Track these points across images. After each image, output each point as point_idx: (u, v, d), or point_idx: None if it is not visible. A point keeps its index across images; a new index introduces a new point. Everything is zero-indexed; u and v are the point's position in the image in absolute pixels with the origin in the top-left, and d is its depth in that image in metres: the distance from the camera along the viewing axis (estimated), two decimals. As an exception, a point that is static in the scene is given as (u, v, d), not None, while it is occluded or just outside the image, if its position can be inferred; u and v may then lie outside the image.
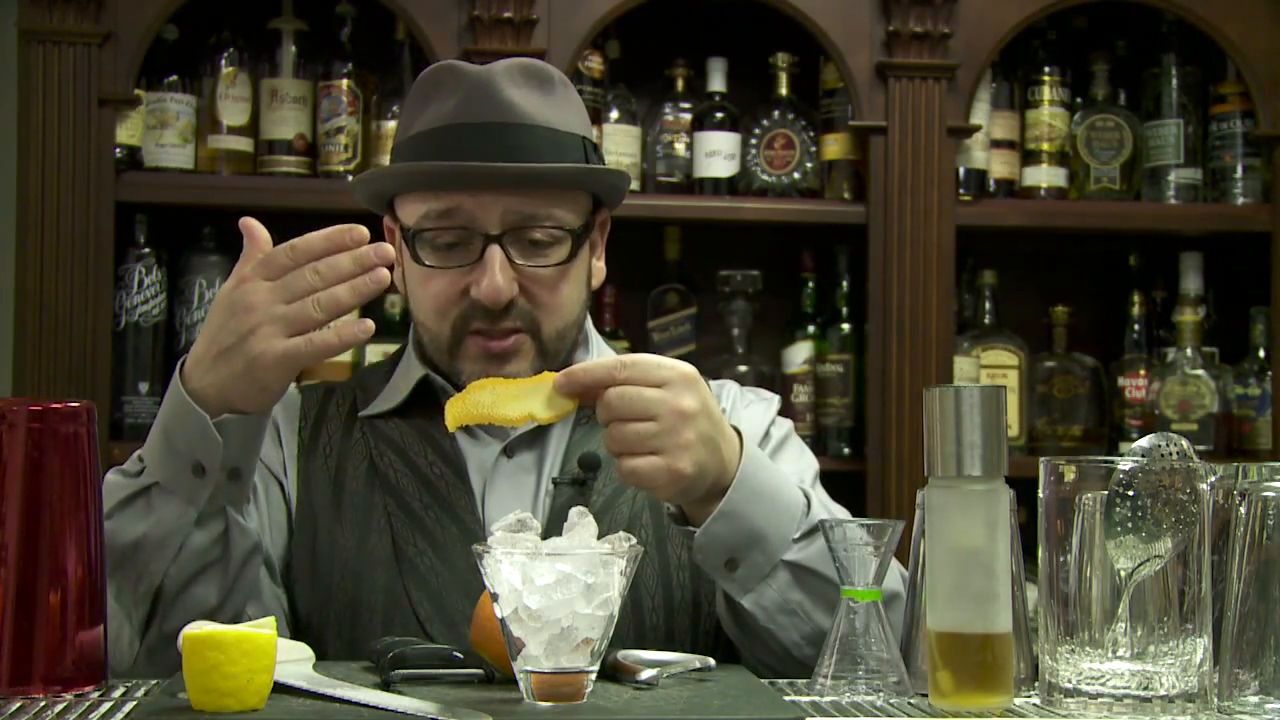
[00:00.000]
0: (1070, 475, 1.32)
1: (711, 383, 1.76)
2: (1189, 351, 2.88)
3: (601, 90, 2.83)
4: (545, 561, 1.25)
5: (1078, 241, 3.05)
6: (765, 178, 2.85)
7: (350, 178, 2.51)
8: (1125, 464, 1.28)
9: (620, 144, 2.82)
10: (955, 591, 1.30)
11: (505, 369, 1.64)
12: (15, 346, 2.62)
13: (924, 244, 2.74)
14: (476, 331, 1.65)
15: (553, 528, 1.40)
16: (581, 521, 1.30)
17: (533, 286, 1.65)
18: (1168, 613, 1.29)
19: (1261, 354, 2.95)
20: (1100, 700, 1.28)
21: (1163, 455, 1.31)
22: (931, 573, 1.33)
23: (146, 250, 2.73)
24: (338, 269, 1.42)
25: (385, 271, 1.44)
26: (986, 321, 2.94)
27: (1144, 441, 1.32)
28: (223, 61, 2.76)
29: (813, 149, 2.87)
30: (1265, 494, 1.28)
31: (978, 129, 2.83)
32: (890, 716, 1.30)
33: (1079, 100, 2.98)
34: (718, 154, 2.83)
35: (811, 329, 2.90)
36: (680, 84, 2.92)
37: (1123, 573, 1.28)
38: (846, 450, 2.83)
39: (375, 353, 2.67)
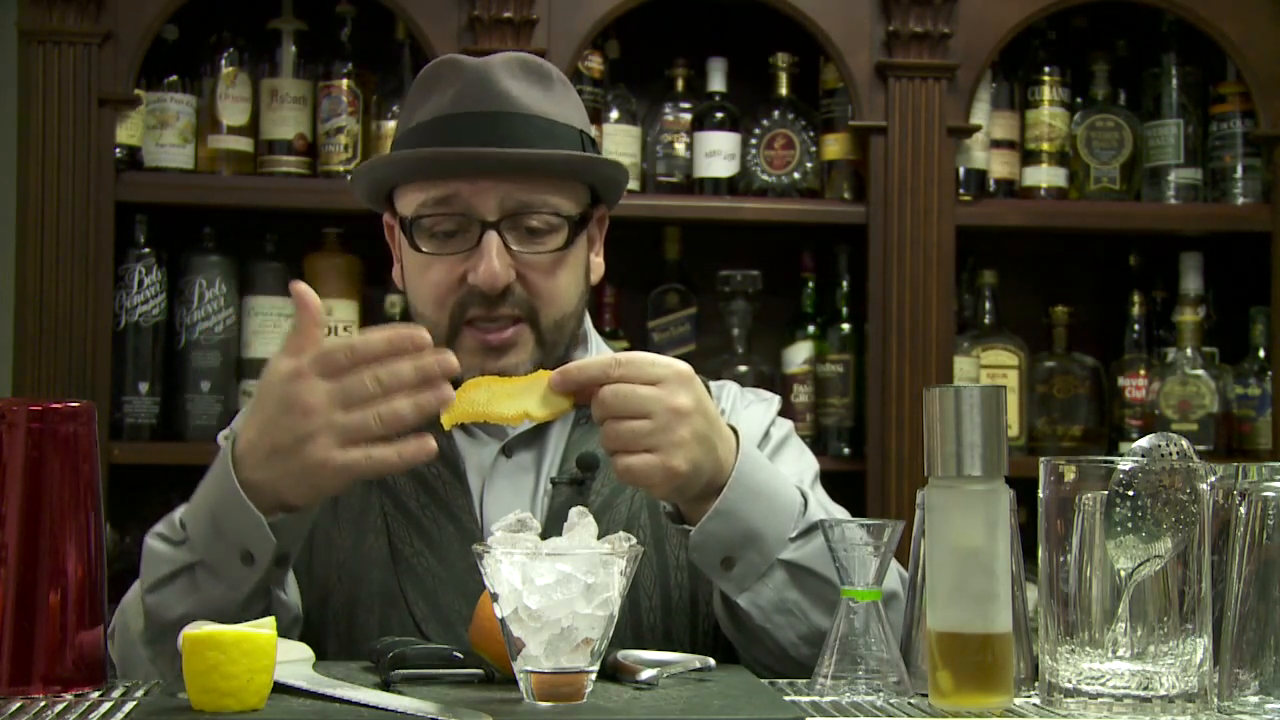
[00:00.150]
0: (1070, 475, 1.31)
1: (711, 383, 1.77)
2: (1189, 351, 2.88)
3: (601, 90, 2.83)
4: (545, 561, 1.25)
5: (1078, 241, 3.05)
6: (765, 178, 2.85)
7: (350, 178, 2.51)
8: (1125, 464, 1.28)
9: (620, 144, 2.82)
10: (955, 591, 1.30)
11: (503, 361, 1.64)
12: (15, 346, 2.62)
13: (924, 244, 2.74)
14: (473, 322, 1.65)
15: (551, 527, 1.40)
16: (581, 521, 1.30)
17: (530, 273, 1.64)
18: (1168, 613, 1.29)
19: (1261, 354, 2.95)
20: (1100, 700, 1.28)
21: (1163, 455, 1.31)
22: (931, 573, 1.33)
23: (146, 250, 2.72)
24: (399, 378, 1.39)
25: (450, 391, 1.41)
26: (986, 321, 2.93)
27: (1144, 441, 1.32)
28: (223, 61, 2.76)
29: (813, 149, 2.87)
30: (1265, 494, 1.28)
31: (978, 129, 2.83)
32: (890, 716, 1.30)
33: (1079, 100, 2.98)
34: (718, 154, 2.83)
35: (811, 329, 2.90)
36: (680, 84, 2.92)
37: (1123, 573, 1.28)
38: (846, 450, 2.83)
39: (375, 353, 2.67)
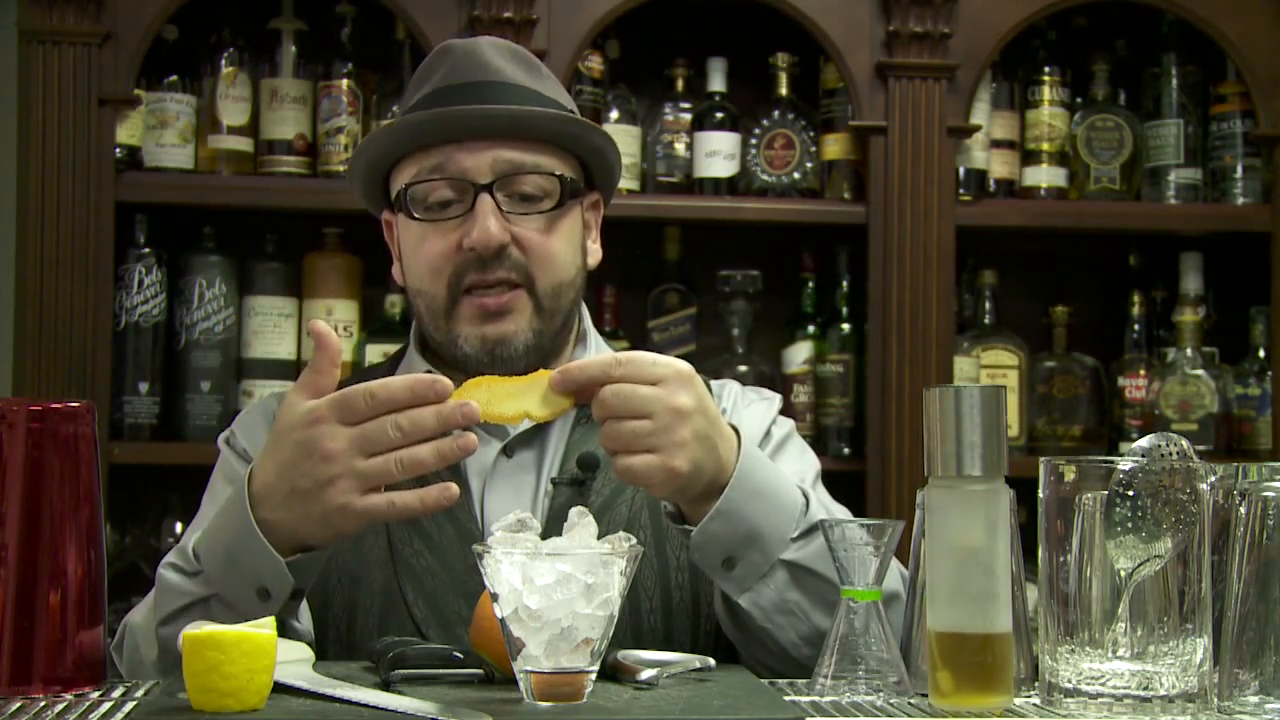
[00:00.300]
0: (1070, 475, 1.31)
1: (713, 382, 1.77)
2: (1189, 351, 2.88)
3: (601, 90, 2.83)
4: (545, 561, 1.25)
5: (1078, 241, 3.05)
6: (765, 178, 2.85)
7: (346, 169, 2.51)
8: (1125, 464, 1.28)
9: (620, 144, 2.78)
10: (955, 591, 1.30)
11: (502, 327, 1.65)
12: (15, 346, 2.62)
13: (924, 244, 2.74)
14: (471, 290, 1.65)
15: (552, 528, 1.40)
16: (581, 521, 1.30)
17: (524, 236, 1.65)
18: (1168, 613, 1.28)
19: (1261, 354, 2.95)
20: (1100, 700, 1.28)
21: (1163, 455, 1.31)
22: (931, 573, 1.32)
23: (146, 250, 2.72)
24: (420, 425, 1.38)
25: (474, 440, 1.41)
26: (986, 321, 2.93)
27: (1144, 441, 1.32)
28: (223, 61, 2.76)
29: (813, 149, 2.87)
30: (1265, 494, 1.28)
31: (978, 129, 2.83)
32: (890, 716, 1.30)
33: (1079, 100, 2.98)
34: (718, 154, 2.83)
35: (811, 329, 2.90)
36: (680, 84, 2.92)
37: (1123, 573, 1.28)
38: (846, 450, 2.83)
39: (375, 353, 2.67)
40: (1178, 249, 2.95)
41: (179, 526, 2.71)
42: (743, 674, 1.43)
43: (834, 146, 2.85)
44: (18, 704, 1.28)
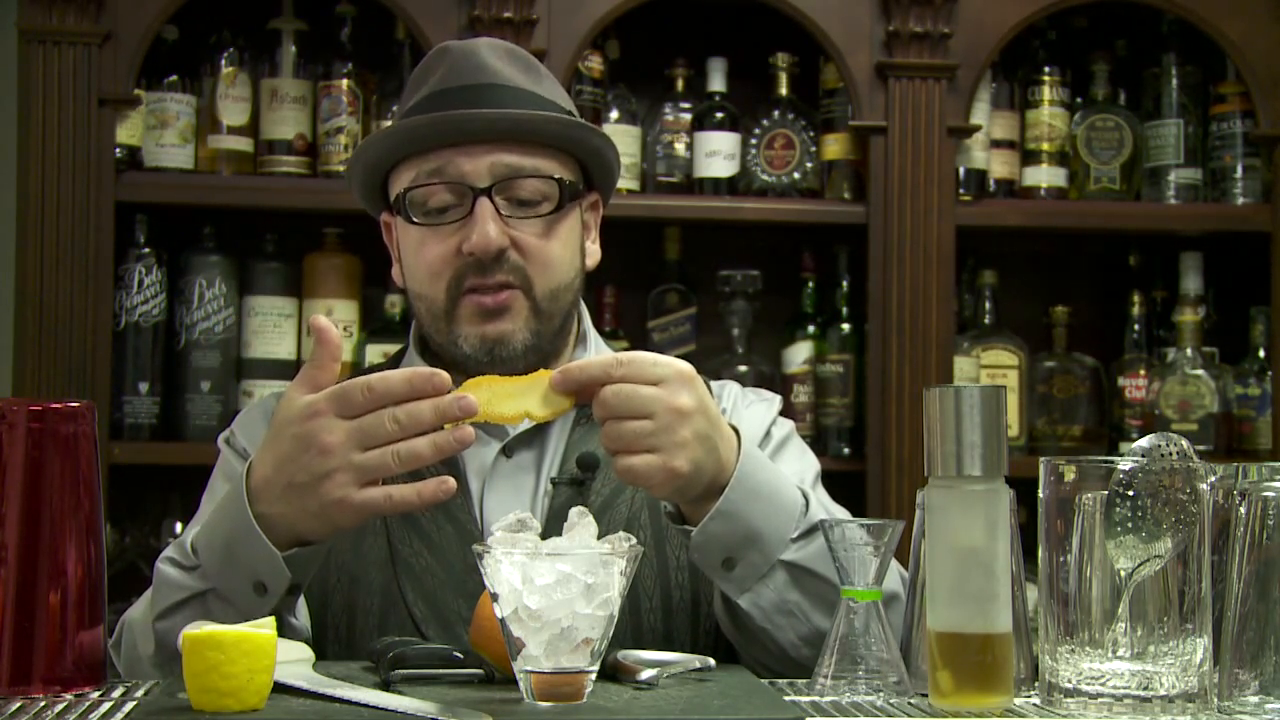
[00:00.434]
0: (1070, 475, 1.31)
1: (713, 383, 1.77)
2: (1189, 351, 2.88)
3: (601, 90, 2.83)
4: (545, 561, 1.25)
5: (1078, 241, 3.05)
6: (765, 178, 2.85)
7: (345, 170, 2.50)
8: (1125, 464, 1.28)
9: (620, 144, 2.79)
10: (955, 591, 1.30)
11: (500, 326, 1.65)
12: (15, 346, 2.62)
13: (924, 244, 2.74)
14: (470, 291, 1.65)
15: (552, 527, 1.40)
16: (581, 521, 1.30)
17: (523, 240, 1.65)
18: (1168, 613, 1.28)
19: (1261, 354, 2.95)
20: (1100, 700, 1.28)
21: (1163, 455, 1.31)
22: (931, 573, 1.32)
23: (146, 250, 2.72)
24: (418, 419, 1.39)
25: (471, 432, 1.40)
26: (986, 321, 2.93)
27: (1144, 441, 1.32)
28: (223, 61, 2.76)
29: (813, 149, 2.87)
30: (1265, 494, 1.28)
31: (978, 129, 2.83)
32: (890, 716, 1.30)
33: (1079, 100, 2.98)
34: (718, 154, 2.83)
35: (811, 329, 2.90)
36: (680, 84, 2.92)
37: (1123, 573, 1.28)
38: (846, 450, 2.83)
39: (375, 353, 2.67)
40: (1178, 249, 2.95)
41: (179, 526, 2.71)
42: (743, 674, 1.43)
43: (834, 146, 2.85)
44: (18, 704, 1.28)
